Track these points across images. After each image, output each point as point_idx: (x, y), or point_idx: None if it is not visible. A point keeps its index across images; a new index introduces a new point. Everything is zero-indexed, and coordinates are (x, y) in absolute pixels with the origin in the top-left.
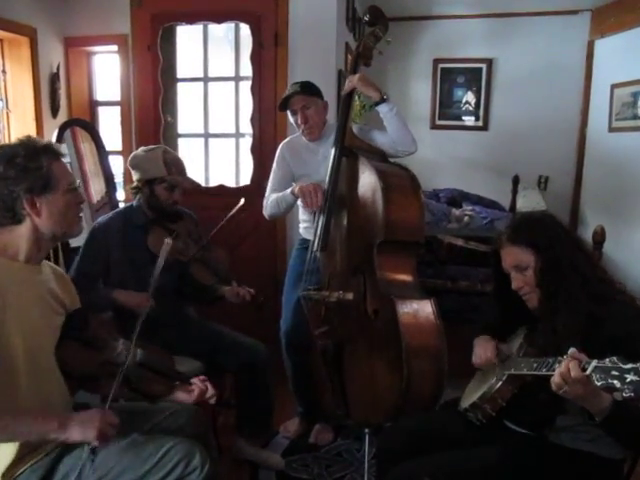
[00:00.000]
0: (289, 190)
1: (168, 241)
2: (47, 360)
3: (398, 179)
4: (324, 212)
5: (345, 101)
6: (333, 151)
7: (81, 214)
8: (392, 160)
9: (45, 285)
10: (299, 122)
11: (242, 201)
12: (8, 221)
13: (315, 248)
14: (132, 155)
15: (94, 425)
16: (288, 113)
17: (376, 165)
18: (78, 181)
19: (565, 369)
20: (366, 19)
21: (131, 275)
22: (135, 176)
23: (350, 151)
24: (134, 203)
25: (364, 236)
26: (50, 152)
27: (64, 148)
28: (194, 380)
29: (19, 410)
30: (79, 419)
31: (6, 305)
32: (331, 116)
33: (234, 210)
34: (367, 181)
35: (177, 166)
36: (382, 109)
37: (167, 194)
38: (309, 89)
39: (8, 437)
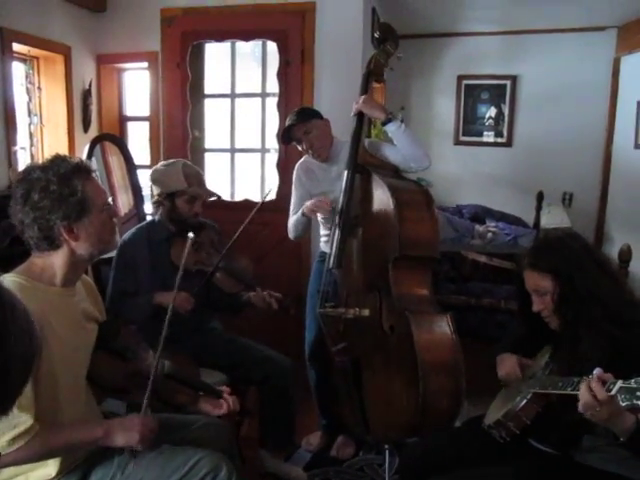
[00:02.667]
0: (299, 212)
1: (190, 235)
2: (81, 379)
3: (411, 195)
4: (339, 229)
5: (356, 123)
6: (346, 167)
7: (116, 227)
8: (406, 175)
9: (80, 306)
10: (305, 148)
11: (261, 200)
12: (46, 247)
13: (331, 265)
14: (152, 170)
15: (136, 430)
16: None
17: (389, 181)
18: (110, 198)
19: (588, 392)
20: (376, 36)
21: (158, 287)
22: (156, 190)
23: (363, 168)
24: (155, 218)
25: (379, 252)
26: (81, 171)
27: (94, 162)
28: (225, 395)
29: (63, 423)
30: (122, 426)
31: (46, 331)
32: (341, 132)
33: (254, 211)
34: (380, 198)
35: (197, 178)
36: (389, 128)
37: (188, 206)
38: (305, 115)
39: (60, 449)
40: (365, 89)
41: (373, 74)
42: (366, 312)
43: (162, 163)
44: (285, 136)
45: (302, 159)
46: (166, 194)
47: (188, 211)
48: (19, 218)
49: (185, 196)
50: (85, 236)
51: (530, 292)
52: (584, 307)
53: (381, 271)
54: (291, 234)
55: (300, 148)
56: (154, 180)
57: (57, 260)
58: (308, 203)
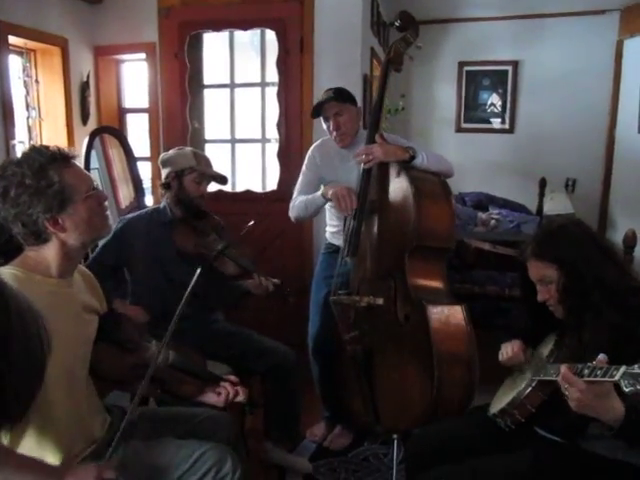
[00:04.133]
0: (319, 192)
1: (199, 271)
2: (81, 372)
3: (430, 185)
4: (355, 217)
5: (364, 174)
6: None
7: (107, 212)
8: None
9: (78, 298)
10: (331, 129)
11: (252, 223)
12: (34, 242)
13: (345, 253)
14: (162, 154)
15: None
16: (321, 119)
17: (407, 171)
18: (96, 182)
19: (560, 377)
20: (397, 24)
21: (157, 270)
22: (165, 172)
23: None
24: (161, 205)
25: (395, 242)
26: (58, 160)
27: (94, 155)
28: (223, 383)
29: (21, 457)
30: (77, 476)
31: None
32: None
33: (247, 227)
34: (398, 187)
35: (205, 160)
36: (415, 163)
37: (195, 186)
38: (342, 96)
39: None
40: (385, 75)
41: (393, 63)
42: (380, 301)
43: (172, 149)
44: (315, 110)
45: (319, 141)
46: (175, 173)
47: (195, 191)
48: (2, 216)
49: (194, 174)
50: (72, 226)
51: (534, 281)
52: (589, 296)
53: (397, 260)
54: (294, 213)
55: (325, 126)
56: (164, 162)
57: (49, 252)
58: (337, 188)
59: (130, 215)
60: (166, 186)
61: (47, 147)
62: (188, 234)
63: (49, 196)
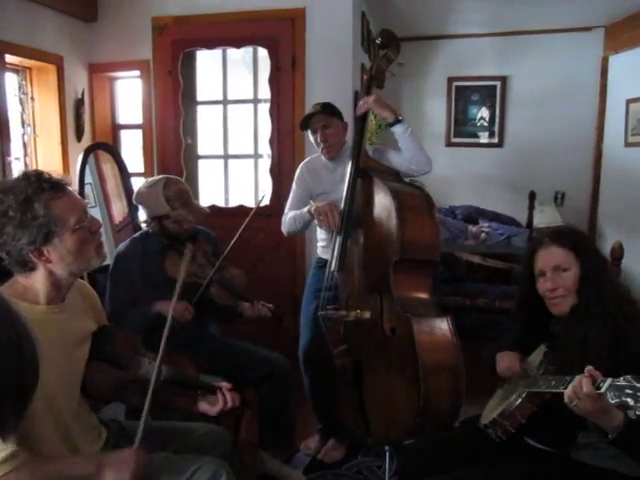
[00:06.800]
0: (306, 209)
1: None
2: (70, 401)
3: (412, 198)
4: (341, 232)
5: (360, 122)
6: (349, 171)
7: (101, 239)
8: (407, 179)
9: (70, 323)
10: (318, 140)
11: (256, 205)
12: (21, 270)
13: (332, 268)
14: (136, 192)
15: (129, 468)
16: (309, 132)
17: (390, 185)
18: (90, 207)
19: (577, 383)
20: (378, 42)
21: (151, 297)
22: (143, 212)
23: (365, 172)
24: (149, 229)
25: (380, 255)
26: (46, 191)
27: (87, 171)
28: (220, 389)
29: (53, 454)
30: (114, 462)
31: None
32: (349, 137)
33: (249, 217)
34: (382, 201)
35: (180, 199)
36: (397, 129)
37: (176, 226)
38: (329, 109)
39: None
40: (367, 93)
41: (375, 79)
42: (367, 314)
43: (144, 184)
44: (304, 122)
45: (307, 159)
46: (152, 218)
47: (178, 229)
48: None
49: (171, 219)
50: (58, 257)
51: (545, 270)
52: (603, 292)
53: (382, 274)
54: (286, 228)
55: (312, 138)
56: (139, 203)
57: (37, 280)
58: (320, 205)
59: (122, 246)
60: (148, 224)
61: (39, 174)
62: (179, 262)
63: (33, 229)
